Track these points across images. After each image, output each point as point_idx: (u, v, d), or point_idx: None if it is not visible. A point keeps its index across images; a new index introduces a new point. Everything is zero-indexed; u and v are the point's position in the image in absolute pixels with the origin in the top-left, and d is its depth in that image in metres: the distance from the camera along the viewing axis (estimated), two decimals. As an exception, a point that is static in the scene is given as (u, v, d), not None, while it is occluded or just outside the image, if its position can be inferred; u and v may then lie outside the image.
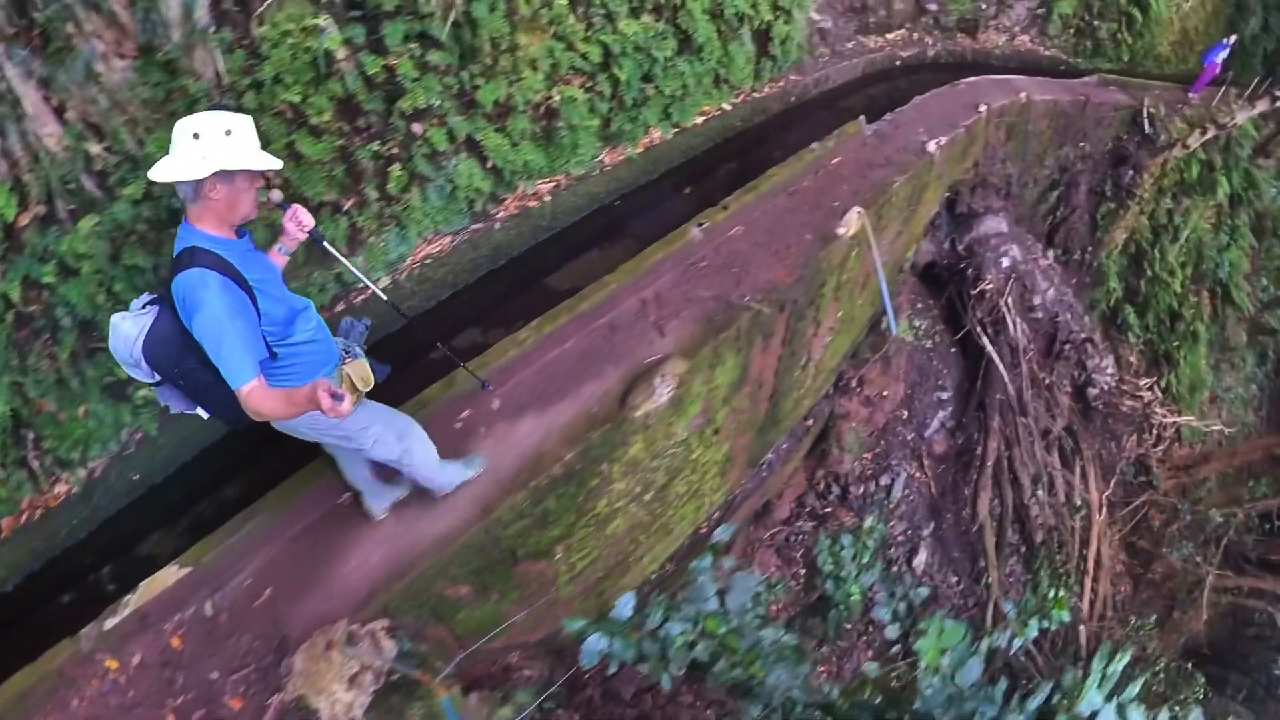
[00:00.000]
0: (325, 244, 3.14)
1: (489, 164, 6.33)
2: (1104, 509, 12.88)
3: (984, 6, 11.97)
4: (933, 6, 11.21)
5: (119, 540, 4.77)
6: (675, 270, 5.65)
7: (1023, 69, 12.86)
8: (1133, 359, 15.25)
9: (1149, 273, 13.57)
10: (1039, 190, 12.15)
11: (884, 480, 9.98)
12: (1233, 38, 14.55)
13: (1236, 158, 14.94)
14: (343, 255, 3.32)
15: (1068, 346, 11.29)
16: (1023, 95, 10.25)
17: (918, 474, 10.41)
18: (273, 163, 2.53)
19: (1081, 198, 12.75)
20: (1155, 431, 13.20)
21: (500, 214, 6.61)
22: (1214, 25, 18.19)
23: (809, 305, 6.02)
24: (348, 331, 3.15)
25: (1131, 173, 12.81)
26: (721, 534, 4.54)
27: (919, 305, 10.04)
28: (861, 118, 7.82)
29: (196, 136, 2.36)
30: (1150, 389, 13.64)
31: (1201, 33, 17.66)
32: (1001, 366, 9.68)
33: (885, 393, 9.86)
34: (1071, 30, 13.76)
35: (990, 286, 9.38)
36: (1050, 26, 13.32)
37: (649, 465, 5.53)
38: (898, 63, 10.86)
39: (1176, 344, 14.74)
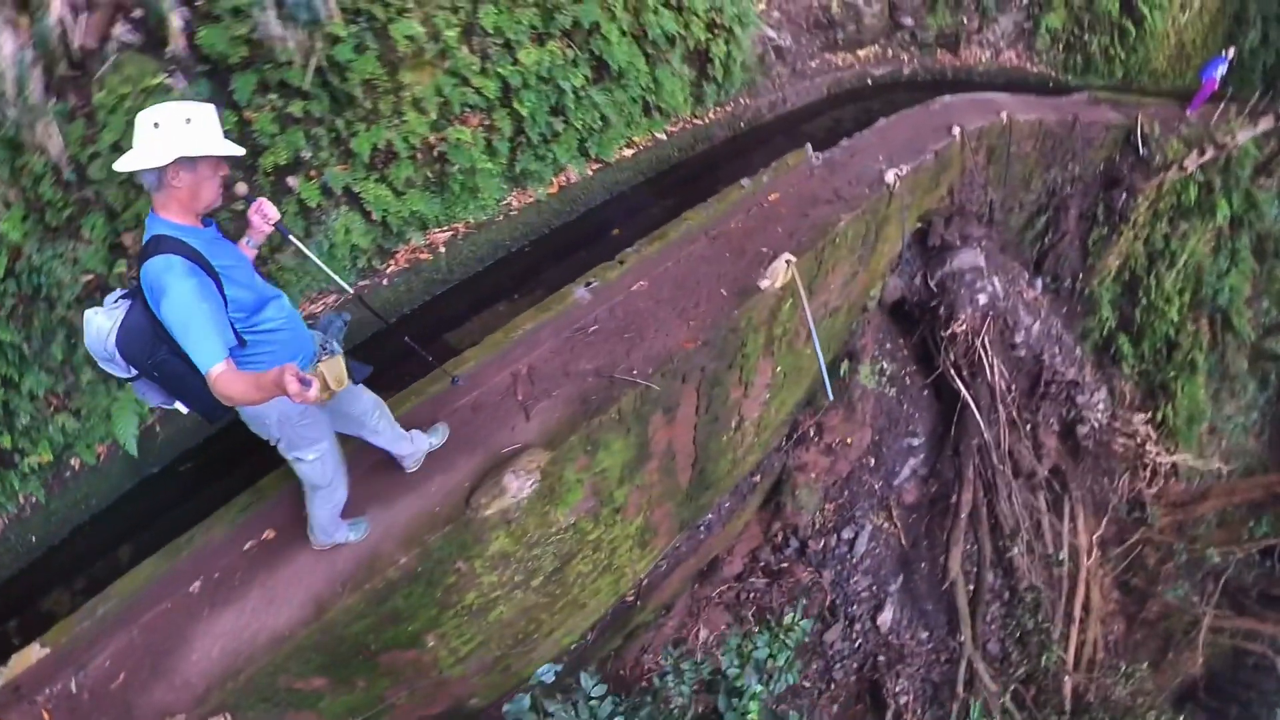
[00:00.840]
0: (290, 237, 3.06)
1: (372, 216, 5.48)
2: (1094, 551, 11.78)
3: (966, 21, 10.91)
4: (908, 21, 10.17)
5: (22, 596, 4.77)
6: (557, 338, 4.70)
7: (1008, 87, 11.74)
8: (1127, 390, 14.09)
9: (1144, 301, 12.44)
10: (1025, 216, 11.09)
11: (846, 534, 8.95)
12: (1231, 51, 13.39)
13: (1237, 178, 13.75)
14: (310, 251, 3.22)
15: (1053, 386, 10.23)
16: (1004, 115, 9.20)
17: (886, 525, 9.34)
18: (235, 149, 2.47)
19: (1071, 223, 11.67)
20: (1150, 470, 12.10)
21: (390, 269, 5.71)
22: (1212, 38, 16.97)
23: (728, 369, 5.05)
24: (326, 326, 3.01)
25: (1125, 196, 11.71)
26: (544, 674, 4.13)
27: (887, 345, 8.99)
28: (807, 146, 6.74)
29: (157, 126, 2.33)
30: (1145, 424, 12.56)
31: (1199, 46, 16.47)
32: (978, 412, 8.63)
33: (849, 440, 8.81)
34: (1061, 45, 12.65)
35: (964, 327, 8.34)
36: (1038, 41, 12.23)
37: (526, 555, 4.60)
38: (869, 82, 9.77)
39: (1173, 374, 13.57)
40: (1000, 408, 8.76)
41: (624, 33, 6.28)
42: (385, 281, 5.58)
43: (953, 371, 8.70)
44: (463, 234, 5.90)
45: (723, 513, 7.48)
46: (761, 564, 8.90)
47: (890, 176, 6.48)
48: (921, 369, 9.16)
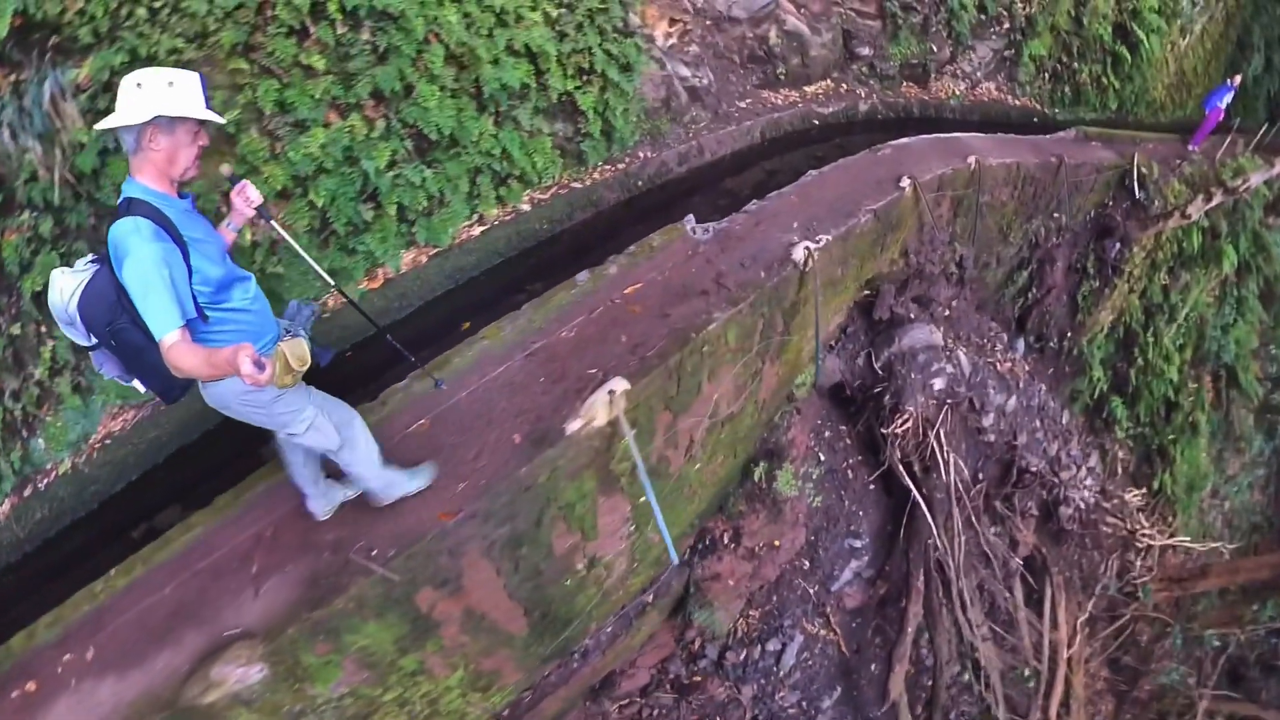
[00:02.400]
0: (273, 223, 2.80)
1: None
2: (1077, 638, 9.96)
3: (935, 50, 9.17)
4: (865, 51, 8.46)
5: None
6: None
7: (984, 124, 9.93)
8: (1121, 454, 12.21)
9: (1140, 361, 10.59)
10: (1004, 271, 9.32)
11: (773, 644, 7.22)
12: (1237, 79, 11.45)
13: (1244, 220, 11.85)
14: (291, 239, 2.89)
15: (1030, 471, 8.43)
16: (972, 161, 7.46)
17: (823, 632, 7.60)
18: (215, 116, 2.27)
19: (1058, 276, 9.88)
20: (1142, 553, 10.24)
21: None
22: (1214, 65, 14.95)
23: (537, 526, 3.42)
24: (294, 314, 2.68)
25: (1119, 246, 9.89)
26: None
27: (827, 434, 7.27)
28: (688, 219, 5.02)
29: (139, 86, 2.16)
30: (1138, 500, 10.69)
31: (1200, 74, 14.48)
32: (930, 514, 6.91)
33: (776, 543, 7.09)
34: (1047, 75, 10.84)
35: (911, 420, 6.61)
36: (1021, 71, 10.44)
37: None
38: (816, 123, 8.10)
39: (1173, 437, 11.64)
40: (959, 508, 7.01)
41: (448, 93, 4.73)
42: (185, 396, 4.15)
43: (901, 468, 6.97)
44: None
45: (603, 639, 5.84)
46: (671, 677, 7.16)
47: (800, 252, 4.75)
48: (868, 459, 7.42)
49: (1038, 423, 9.08)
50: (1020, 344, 9.82)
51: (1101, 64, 11.12)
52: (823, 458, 7.35)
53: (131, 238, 2.16)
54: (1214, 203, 9.03)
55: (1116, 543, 10.21)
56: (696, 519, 5.65)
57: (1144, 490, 10.88)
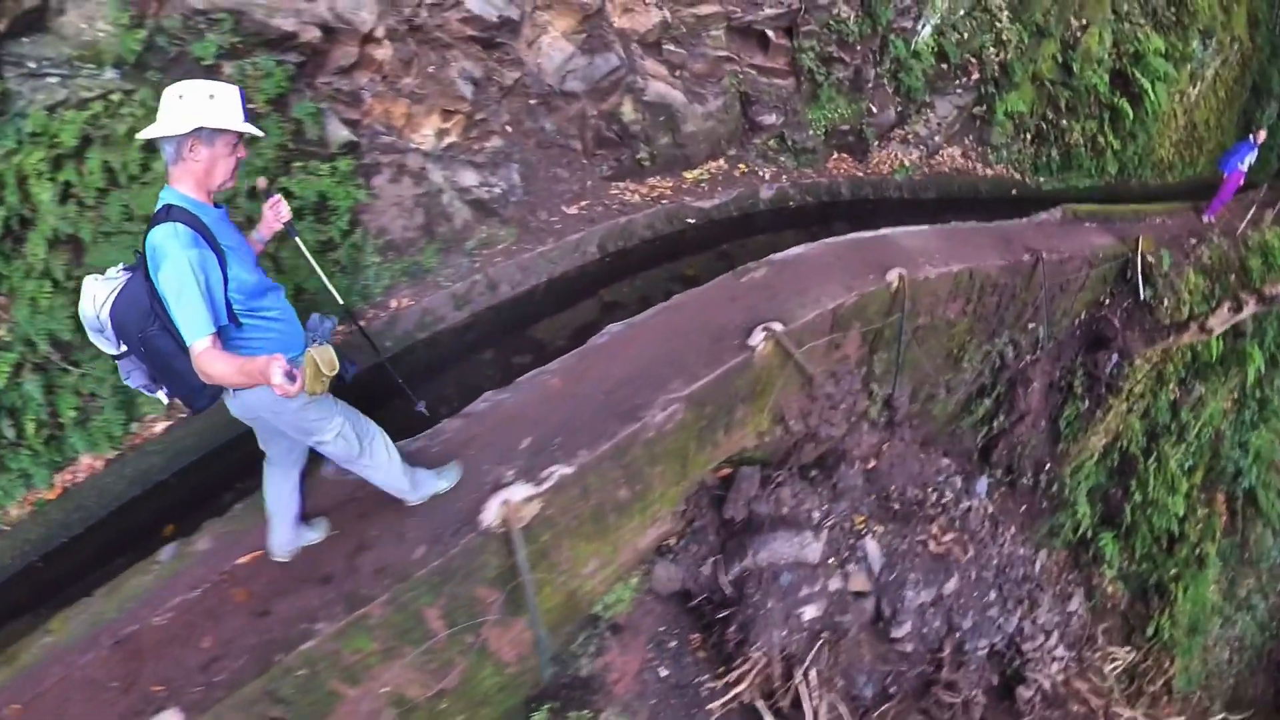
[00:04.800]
0: (297, 239, 2.59)
1: None
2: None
3: (874, 110, 6.47)
4: (771, 119, 5.75)
5: None
6: None
7: (942, 203, 7.18)
8: (1110, 590, 9.43)
9: (1139, 496, 7.85)
10: (959, 400, 6.67)
11: None
12: (1261, 134, 8.62)
13: (1272, 310, 9.00)
14: (310, 257, 2.64)
15: (974, 661, 5.78)
16: (893, 278, 4.78)
17: None
18: (253, 130, 2.12)
19: (1034, 400, 7.17)
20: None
21: None
22: (1228, 116, 11.96)
23: None
24: (315, 327, 2.45)
25: (1116, 360, 7.18)
26: None
27: (672, 643, 4.60)
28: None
29: (181, 98, 2.03)
30: (1125, 654, 7.95)
31: (1213, 127, 11.49)
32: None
33: None
34: (1027, 136, 8.08)
35: (762, 664, 3.99)
36: (994, 132, 7.69)
37: None
38: (691, 222, 5.40)
39: (1175, 572, 8.82)
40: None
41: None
42: None
43: (762, 705, 4.35)
44: None
45: None
46: None
47: (493, 512, 2.23)
48: (725, 674, 4.78)
49: (994, 593, 6.41)
50: (983, 483, 7.09)
51: (1097, 120, 8.32)
52: (665, 673, 4.67)
53: (170, 242, 1.99)
54: (1244, 314, 6.28)
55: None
56: None
57: (1130, 647, 8.12)
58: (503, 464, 2.87)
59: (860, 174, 6.31)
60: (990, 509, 7.18)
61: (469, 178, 4.65)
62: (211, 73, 3.62)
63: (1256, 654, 11.22)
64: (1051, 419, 7.19)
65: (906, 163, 6.72)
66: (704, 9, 5.31)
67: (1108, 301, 6.92)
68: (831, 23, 5.70)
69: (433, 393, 3.60)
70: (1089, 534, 7.94)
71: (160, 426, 3.59)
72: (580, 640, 3.77)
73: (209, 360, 1.95)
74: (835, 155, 6.34)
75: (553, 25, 4.93)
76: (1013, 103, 7.48)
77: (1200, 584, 8.77)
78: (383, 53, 4.28)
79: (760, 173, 5.74)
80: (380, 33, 4.20)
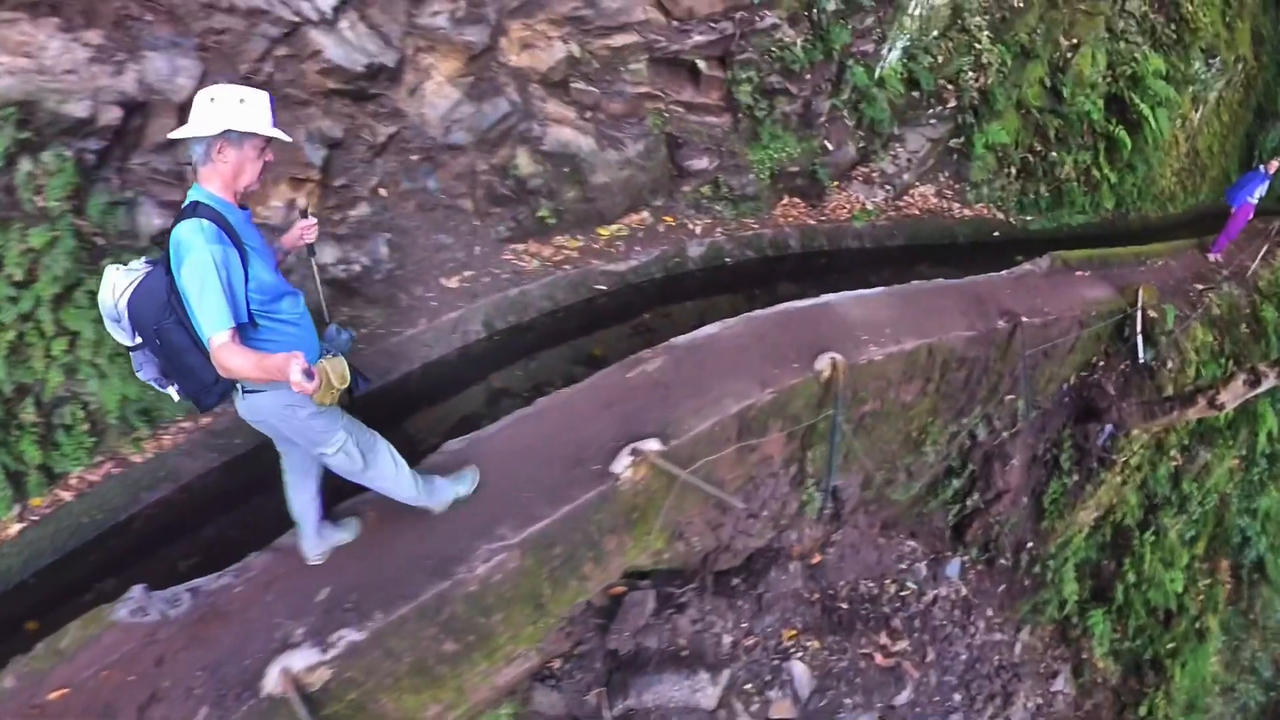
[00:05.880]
0: (314, 261, 2.64)
1: None
2: None
3: (830, 147, 5.45)
4: (702, 164, 4.71)
5: None
6: None
7: (910, 253, 6.10)
8: (1100, 664, 8.40)
9: (1133, 576, 6.82)
10: (925, 482, 5.66)
11: None
12: (1273, 165, 7.55)
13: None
14: (319, 281, 2.70)
15: None
16: (824, 366, 3.78)
17: None
18: (280, 134, 2.07)
19: (1013, 476, 6.14)
20: None
21: None
22: (1232, 141, 10.72)
23: None
24: (332, 338, 2.38)
25: (1110, 432, 6.16)
26: None
27: None
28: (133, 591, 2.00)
29: (212, 100, 2.00)
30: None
31: (1216, 153, 10.32)
32: None
33: None
34: (1011, 170, 7.01)
35: None
36: (973, 167, 6.65)
37: None
38: (602, 288, 4.34)
39: (1172, 646, 7.82)
40: None
41: None
42: None
43: None
44: None
45: None
46: None
47: (272, 680, 1.51)
48: None
49: (959, 695, 5.58)
50: (955, 566, 6.08)
51: (1091, 151, 7.25)
52: None
53: (195, 237, 1.95)
54: (1261, 389, 5.24)
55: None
56: None
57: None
58: (296, 618, 2.32)
59: (813, 222, 5.30)
60: (963, 591, 6.21)
61: (325, 254, 3.76)
62: (9, 170, 2.96)
63: (1261, 715, 10.15)
64: (1035, 494, 6.17)
65: (869, 206, 5.70)
66: (620, 40, 4.33)
67: (1102, 364, 5.88)
68: (773, 49, 4.68)
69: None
70: (1077, 611, 6.92)
71: (15, 529, 3.01)
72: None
73: (228, 353, 1.91)
74: (785, 201, 5.33)
75: (437, 69, 3.97)
76: (994, 133, 6.45)
77: (1200, 658, 7.71)
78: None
79: (691, 226, 4.74)
80: (207, 100, 3.44)
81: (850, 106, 5.41)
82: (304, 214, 2.48)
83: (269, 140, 2.09)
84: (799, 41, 4.78)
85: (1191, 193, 9.16)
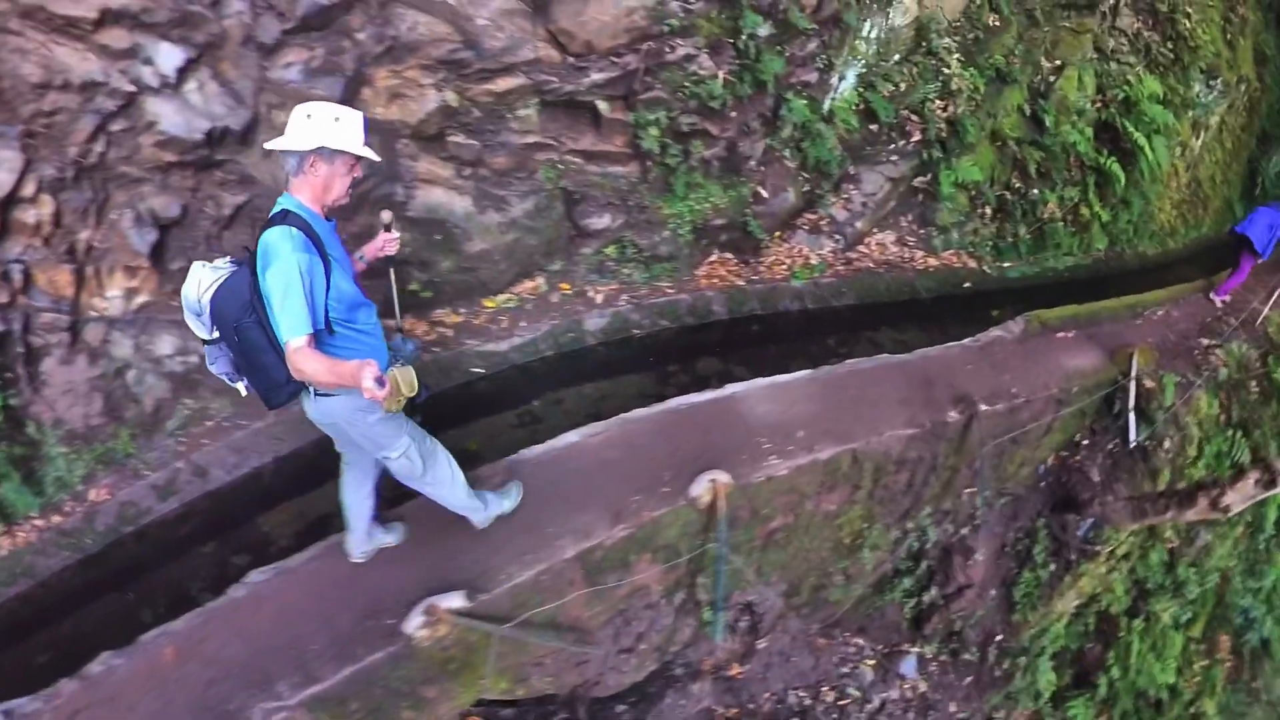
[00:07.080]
0: (391, 272, 2.70)
1: None
2: None
3: (765, 194, 4.58)
4: (603, 222, 3.83)
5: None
6: None
7: (861, 314, 5.11)
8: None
9: (1116, 672, 5.94)
10: (870, 583, 4.79)
11: None
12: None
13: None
14: (396, 294, 2.72)
15: None
16: (704, 489, 2.84)
17: None
18: (370, 154, 2.11)
19: (977, 571, 5.23)
20: None
21: None
22: (1234, 168, 9.66)
23: None
24: (399, 348, 2.42)
25: (1092, 524, 5.26)
26: None
27: None
28: None
29: (309, 117, 2.04)
30: None
31: (1219, 182, 9.40)
32: None
33: None
34: (986, 211, 6.08)
35: None
36: (940, 210, 5.73)
37: None
38: (480, 371, 3.41)
39: (1165, 734, 6.97)
40: None
41: None
42: None
43: None
44: None
45: None
46: None
47: None
48: None
49: None
50: (911, 663, 5.21)
51: (1079, 187, 6.30)
52: None
53: (283, 243, 1.97)
54: (1277, 490, 4.32)
55: None
56: None
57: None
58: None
59: (743, 282, 4.43)
60: (921, 688, 5.36)
61: (167, 344, 3.16)
62: None
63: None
64: (1005, 583, 5.29)
65: (814, 260, 4.82)
66: (505, 83, 3.50)
67: (1085, 442, 4.98)
68: (687, 84, 3.83)
69: (141, 595, 2.93)
70: (1054, 701, 6.04)
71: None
72: None
73: (304, 358, 1.91)
74: (714, 258, 4.47)
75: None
76: (966, 170, 5.54)
77: (1196, 744, 6.82)
78: (40, 212, 2.91)
79: (591, 294, 3.90)
80: (31, 189, 2.85)
81: (791, 146, 4.54)
82: (387, 228, 2.47)
83: (359, 158, 2.10)
84: (720, 73, 3.92)
85: (1194, 226, 8.18)
